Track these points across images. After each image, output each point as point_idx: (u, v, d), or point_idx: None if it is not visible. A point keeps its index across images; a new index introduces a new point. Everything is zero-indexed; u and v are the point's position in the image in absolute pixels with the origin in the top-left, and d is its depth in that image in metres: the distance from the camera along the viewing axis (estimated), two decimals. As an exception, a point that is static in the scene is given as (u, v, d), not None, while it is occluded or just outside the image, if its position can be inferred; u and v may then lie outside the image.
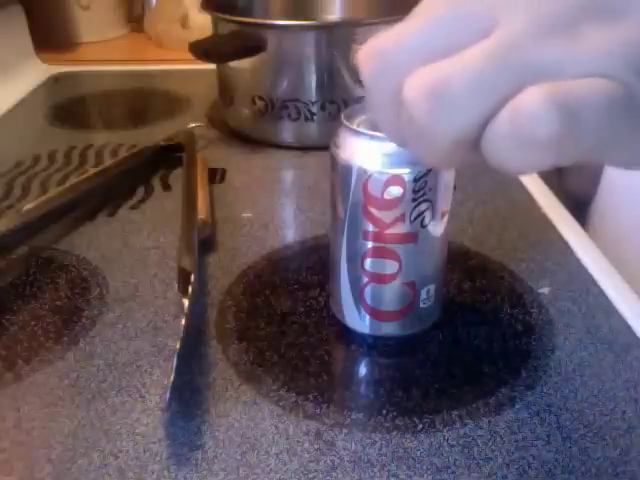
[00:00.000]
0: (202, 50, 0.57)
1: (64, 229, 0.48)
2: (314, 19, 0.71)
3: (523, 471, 0.29)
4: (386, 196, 0.31)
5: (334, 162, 0.32)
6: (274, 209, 0.53)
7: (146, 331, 0.37)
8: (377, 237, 0.32)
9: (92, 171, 0.53)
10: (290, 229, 0.51)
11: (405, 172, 0.30)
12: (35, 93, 0.81)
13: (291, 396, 0.33)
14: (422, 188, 0.31)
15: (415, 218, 0.32)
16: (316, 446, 0.30)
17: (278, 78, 0.59)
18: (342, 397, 0.33)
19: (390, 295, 0.34)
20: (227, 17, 0.60)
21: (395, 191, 0.31)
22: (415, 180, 0.30)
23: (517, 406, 0.32)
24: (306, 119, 0.60)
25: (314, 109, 0.59)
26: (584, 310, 0.39)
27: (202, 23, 0.82)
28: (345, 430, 0.31)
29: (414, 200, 0.31)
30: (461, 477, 0.28)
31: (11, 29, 0.83)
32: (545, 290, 0.41)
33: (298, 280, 0.42)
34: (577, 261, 0.44)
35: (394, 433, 0.31)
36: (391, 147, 0.30)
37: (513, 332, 0.37)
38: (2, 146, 0.65)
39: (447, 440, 0.30)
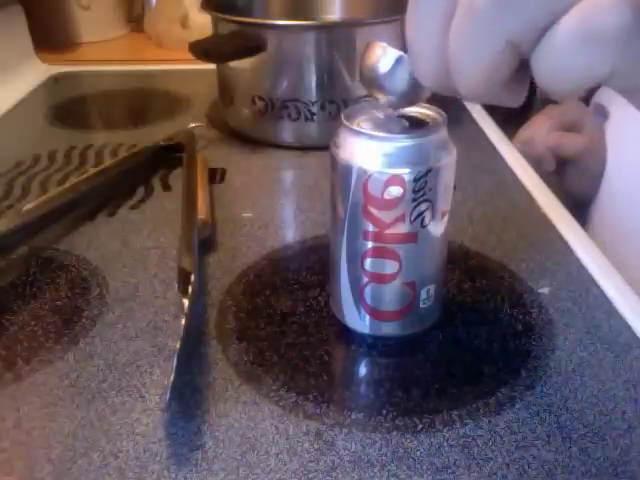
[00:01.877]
0: (202, 50, 0.57)
1: (64, 229, 0.48)
2: (314, 19, 0.71)
3: (523, 471, 0.29)
4: (386, 196, 0.31)
5: (334, 162, 0.32)
6: (274, 209, 0.53)
7: (146, 331, 0.37)
8: (377, 237, 0.32)
9: (92, 171, 0.53)
10: (290, 229, 0.51)
11: (405, 172, 0.30)
12: (35, 93, 0.81)
13: (291, 396, 0.33)
14: (422, 188, 0.31)
15: (415, 218, 0.32)
16: (316, 446, 0.30)
17: (278, 78, 0.59)
18: (342, 397, 0.33)
19: (390, 295, 0.34)
20: (227, 17, 0.60)
21: (395, 191, 0.31)
22: (415, 180, 0.30)
23: (517, 406, 0.32)
24: (306, 119, 0.60)
25: (314, 109, 0.59)
26: (584, 310, 0.39)
27: (202, 23, 0.82)
28: (345, 430, 0.31)
29: (414, 200, 0.31)
30: (461, 477, 0.28)
31: (11, 29, 0.83)
32: (545, 290, 0.41)
33: (298, 280, 0.42)
34: (577, 261, 0.44)
35: (394, 433, 0.31)
36: (391, 147, 0.30)
37: (513, 332, 0.37)
38: (2, 146, 0.65)
39: (447, 440, 0.30)
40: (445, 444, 0.30)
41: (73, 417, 0.32)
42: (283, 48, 0.58)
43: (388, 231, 0.32)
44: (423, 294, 0.34)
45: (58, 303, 0.40)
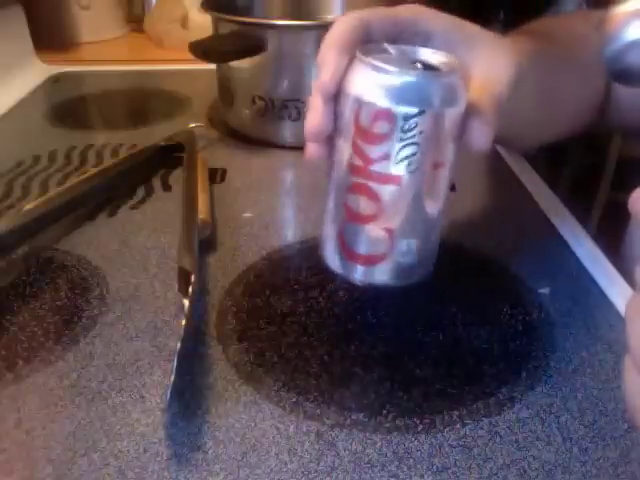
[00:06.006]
0: (202, 50, 0.57)
1: (64, 229, 0.48)
2: (314, 19, 0.71)
3: (523, 471, 0.29)
4: (374, 130, 0.30)
5: (339, 90, 0.31)
6: (274, 209, 0.53)
7: (146, 331, 0.37)
8: (361, 172, 0.31)
9: (92, 171, 0.53)
10: (290, 229, 0.51)
11: (396, 108, 0.29)
12: (35, 93, 0.81)
13: (291, 396, 0.33)
14: (411, 129, 0.30)
15: (401, 160, 0.30)
16: (316, 446, 0.30)
17: (278, 78, 0.59)
18: (342, 397, 0.33)
19: (366, 237, 0.33)
20: (227, 17, 0.60)
21: (383, 126, 0.30)
22: (405, 119, 0.29)
23: (517, 406, 0.32)
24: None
25: (314, 109, 0.59)
26: (584, 310, 0.39)
27: (202, 23, 0.82)
28: (345, 430, 0.31)
29: (401, 140, 0.30)
30: (461, 477, 0.28)
31: (11, 29, 0.83)
32: (545, 290, 0.41)
33: (298, 280, 0.42)
34: (577, 261, 0.44)
35: (394, 433, 0.31)
36: (387, 80, 0.29)
37: (513, 332, 0.37)
38: (2, 146, 0.65)
39: (447, 440, 0.30)
40: (445, 444, 0.30)
41: (73, 417, 0.32)
42: (283, 48, 0.58)
43: (372, 167, 0.31)
44: (402, 246, 0.33)
45: (58, 303, 0.40)
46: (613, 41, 0.27)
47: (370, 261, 0.33)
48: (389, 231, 0.32)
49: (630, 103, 0.47)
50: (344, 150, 0.32)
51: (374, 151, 0.30)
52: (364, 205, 0.32)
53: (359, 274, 0.34)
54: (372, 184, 0.31)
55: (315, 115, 0.32)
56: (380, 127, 0.30)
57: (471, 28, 0.35)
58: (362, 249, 0.33)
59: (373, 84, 0.30)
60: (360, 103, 0.30)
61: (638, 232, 0.23)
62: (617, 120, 0.49)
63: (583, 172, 0.91)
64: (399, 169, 0.31)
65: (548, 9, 0.83)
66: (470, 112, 0.31)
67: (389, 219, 0.32)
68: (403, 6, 0.34)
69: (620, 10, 0.27)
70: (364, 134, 0.30)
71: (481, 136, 0.32)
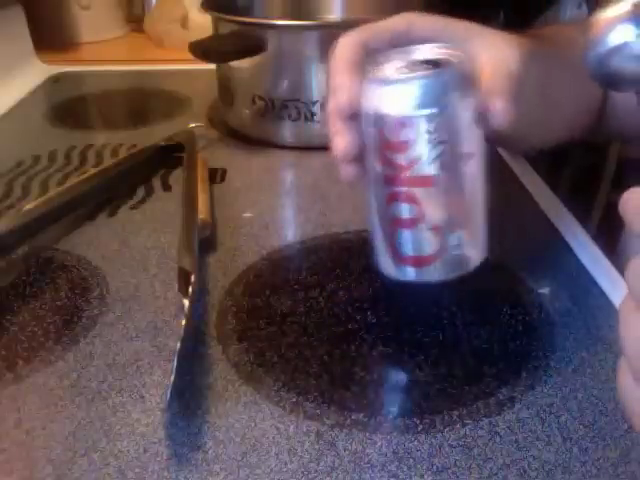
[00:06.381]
0: (202, 50, 0.57)
1: (64, 229, 0.48)
2: (314, 19, 0.71)
3: (523, 471, 0.29)
4: (400, 138, 0.31)
5: (359, 111, 0.32)
6: (274, 209, 0.53)
7: (146, 331, 0.37)
8: (395, 181, 0.32)
9: (92, 171, 0.53)
10: (290, 229, 0.51)
11: (417, 114, 0.30)
12: (35, 93, 0.81)
13: (291, 396, 0.33)
14: (435, 129, 0.30)
15: (432, 160, 0.31)
16: (316, 446, 0.30)
17: (278, 78, 0.59)
18: (342, 397, 0.33)
19: (416, 240, 0.33)
20: (227, 17, 0.60)
21: (407, 133, 0.30)
22: (427, 121, 0.30)
23: (517, 406, 0.32)
24: (306, 119, 0.60)
25: (314, 109, 0.59)
26: (584, 310, 0.39)
27: (202, 23, 0.82)
28: (345, 430, 0.31)
29: (428, 142, 0.31)
30: (461, 478, 0.28)
31: (11, 29, 0.83)
32: (545, 290, 0.41)
33: (298, 280, 0.42)
34: (577, 261, 0.44)
35: (394, 433, 0.31)
36: (402, 89, 0.30)
37: (513, 332, 0.37)
38: (2, 146, 0.65)
39: (447, 440, 0.30)
40: (445, 444, 0.30)
41: (73, 417, 0.32)
42: (283, 48, 0.58)
43: (405, 174, 0.31)
44: (453, 240, 0.33)
45: (58, 303, 0.40)
46: (596, 46, 0.27)
47: (424, 262, 0.34)
48: (437, 229, 0.33)
49: (627, 110, 0.47)
50: (375, 164, 0.32)
51: (404, 158, 0.31)
52: (406, 211, 0.33)
53: (415, 276, 0.34)
54: (409, 190, 0.32)
55: (341, 138, 0.32)
56: (405, 135, 0.31)
57: (466, 24, 0.36)
58: (412, 251, 0.34)
59: (389, 96, 0.30)
60: (381, 117, 0.31)
61: (629, 234, 0.23)
62: (616, 127, 0.49)
63: (583, 173, 0.91)
64: (431, 169, 0.31)
65: (548, 9, 0.83)
66: (488, 94, 0.32)
67: (434, 218, 0.33)
68: (396, 17, 0.35)
69: (604, 15, 0.27)
70: (391, 145, 0.31)
71: (502, 113, 0.32)
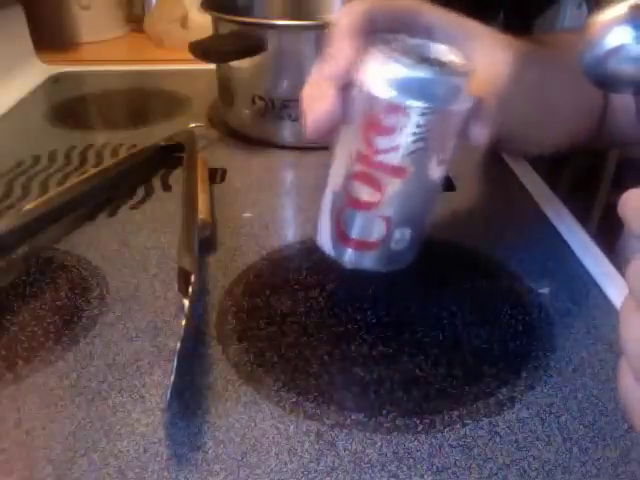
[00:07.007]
0: (202, 50, 0.57)
1: (64, 229, 0.48)
2: (314, 19, 0.71)
3: (523, 471, 0.29)
4: (386, 122, 0.30)
5: (353, 80, 0.32)
6: (274, 209, 0.53)
7: (146, 331, 0.37)
8: (367, 161, 0.31)
9: (92, 171, 0.53)
10: (290, 229, 0.51)
11: (412, 104, 0.29)
12: (35, 93, 0.81)
13: (291, 396, 0.33)
14: (424, 124, 0.30)
15: (410, 153, 0.31)
16: (316, 446, 0.30)
17: (278, 78, 0.59)
18: (342, 397, 0.33)
19: (363, 224, 0.33)
20: (227, 17, 0.60)
21: (396, 120, 0.30)
22: (420, 115, 0.30)
23: (517, 406, 0.32)
24: (306, 119, 0.60)
25: (314, 109, 0.59)
26: (584, 310, 0.39)
27: (202, 23, 0.82)
28: (345, 430, 0.31)
29: (413, 134, 0.30)
30: (461, 478, 0.28)
31: (11, 29, 0.83)
32: (545, 290, 0.41)
33: (298, 280, 0.42)
34: (577, 261, 0.44)
35: (394, 433, 0.31)
36: (405, 75, 0.29)
37: (513, 332, 0.37)
38: (2, 146, 0.65)
39: (447, 440, 0.30)
40: (445, 444, 0.30)
41: (73, 417, 0.32)
42: (283, 48, 0.58)
43: (379, 158, 0.31)
44: (397, 234, 0.33)
45: (58, 303, 0.40)
46: (593, 48, 0.27)
47: (363, 246, 0.34)
48: (387, 220, 0.33)
49: (627, 115, 0.47)
50: (350, 138, 0.32)
51: (384, 142, 0.31)
52: (366, 193, 0.32)
53: (350, 258, 0.34)
54: (377, 174, 0.32)
55: (326, 102, 0.31)
56: (393, 120, 0.30)
57: (471, 24, 0.36)
58: (357, 234, 0.34)
59: (389, 77, 0.30)
60: (374, 95, 0.30)
61: (628, 234, 0.23)
62: (616, 133, 0.49)
63: (583, 173, 0.91)
64: (406, 162, 0.31)
65: (548, 9, 0.83)
66: (472, 108, 0.31)
67: (388, 208, 0.32)
68: (407, 0, 0.35)
69: (600, 17, 0.27)
70: (375, 125, 0.31)
71: (482, 132, 0.32)
